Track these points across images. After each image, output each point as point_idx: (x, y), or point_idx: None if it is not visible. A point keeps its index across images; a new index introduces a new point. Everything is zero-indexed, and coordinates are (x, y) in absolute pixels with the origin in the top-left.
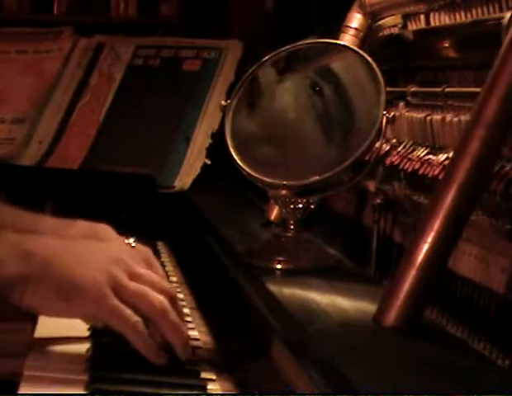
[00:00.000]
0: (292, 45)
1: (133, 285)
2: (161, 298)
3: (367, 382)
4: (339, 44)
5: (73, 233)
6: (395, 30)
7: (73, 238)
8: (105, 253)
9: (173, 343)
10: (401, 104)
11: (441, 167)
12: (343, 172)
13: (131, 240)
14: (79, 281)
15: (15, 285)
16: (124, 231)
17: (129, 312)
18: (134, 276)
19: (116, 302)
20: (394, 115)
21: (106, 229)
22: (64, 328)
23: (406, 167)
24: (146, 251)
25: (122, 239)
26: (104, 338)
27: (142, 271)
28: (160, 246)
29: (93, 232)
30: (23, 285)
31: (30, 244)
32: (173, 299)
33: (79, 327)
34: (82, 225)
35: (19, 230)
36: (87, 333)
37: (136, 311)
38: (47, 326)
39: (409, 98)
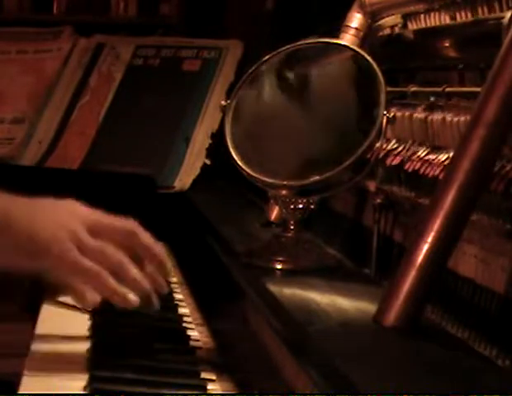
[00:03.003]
0: (292, 45)
1: (92, 242)
2: (118, 255)
3: (367, 382)
4: (339, 44)
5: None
6: (395, 30)
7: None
8: (64, 209)
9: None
10: (401, 104)
11: (441, 167)
12: (343, 172)
13: None
14: (41, 237)
15: None
16: None
17: (90, 263)
18: (93, 231)
19: (77, 255)
20: (394, 115)
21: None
22: (64, 328)
23: (406, 167)
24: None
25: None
26: (104, 338)
27: (101, 223)
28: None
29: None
30: None
31: None
32: (134, 234)
33: (79, 327)
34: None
35: None
36: (87, 333)
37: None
38: (47, 326)
39: (409, 98)
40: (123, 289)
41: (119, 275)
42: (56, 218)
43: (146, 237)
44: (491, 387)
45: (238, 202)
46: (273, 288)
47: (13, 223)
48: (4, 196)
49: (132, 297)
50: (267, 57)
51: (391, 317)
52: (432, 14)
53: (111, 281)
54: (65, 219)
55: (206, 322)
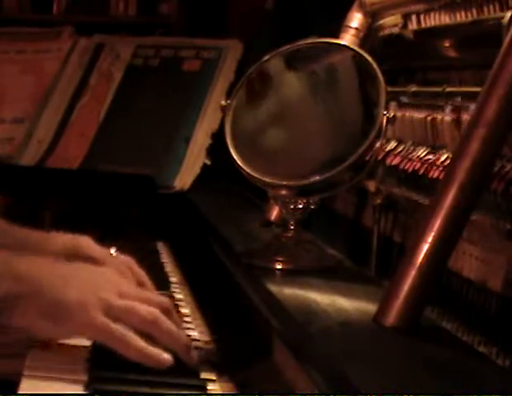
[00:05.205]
0: (292, 45)
1: (121, 302)
2: (151, 309)
3: (367, 382)
4: (340, 44)
5: (55, 248)
6: (396, 30)
7: (55, 254)
8: (94, 276)
9: (174, 350)
10: (400, 104)
11: (441, 167)
12: (343, 172)
13: (112, 250)
14: (67, 304)
15: (5, 304)
16: (123, 231)
17: (115, 326)
18: (123, 295)
19: (102, 319)
20: (394, 115)
21: (88, 242)
22: None
23: (407, 167)
24: (128, 261)
25: (106, 251)
26: None
27: (131, 289)
28: (160, 246)
29: (76, 245)
30: (13, 304)
31: (20, 264)
32: (166, 309)
33: None
34: (64, 239)
35: (5, 246)
36: None
37: (129, 327)
38: None
39: (409, 98)
40: (153, 350)
41: (152, 329)
42: (84, 284)
43: (177, 318)
44: (491, 387)
45: (238, 202)
46: (273, 288)
47: (45, 289)
48: (42, 261)
49: (165, 356)
50: (267, 57)
51: (391, 317)
52: (432, 14)
53: (139, 343)
54: (93, 285)
55: (206, 322)
